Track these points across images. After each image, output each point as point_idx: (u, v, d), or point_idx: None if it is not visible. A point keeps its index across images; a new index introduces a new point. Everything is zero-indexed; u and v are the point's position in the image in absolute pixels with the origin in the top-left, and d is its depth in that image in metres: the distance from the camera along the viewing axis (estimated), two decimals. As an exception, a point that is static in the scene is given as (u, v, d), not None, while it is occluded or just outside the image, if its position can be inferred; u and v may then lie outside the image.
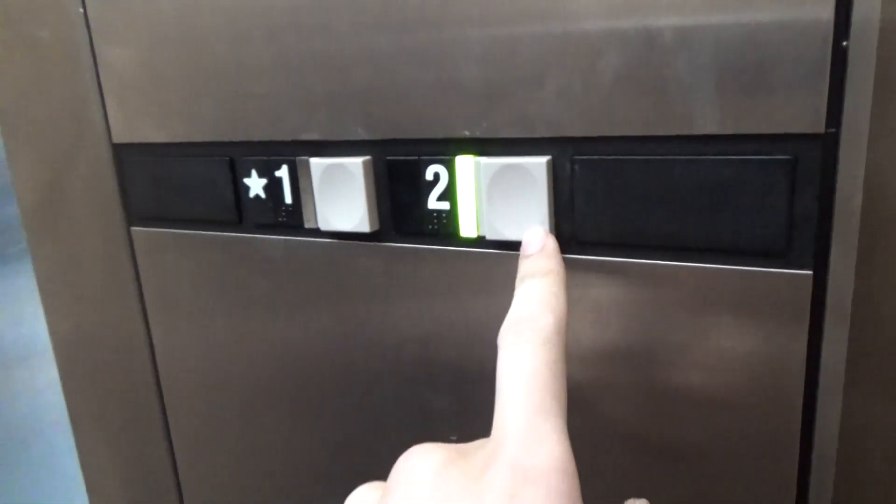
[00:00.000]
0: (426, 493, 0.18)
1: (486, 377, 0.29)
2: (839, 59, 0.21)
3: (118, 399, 0.43)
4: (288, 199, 0.31)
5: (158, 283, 0.37)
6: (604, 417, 0.28)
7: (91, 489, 0.48)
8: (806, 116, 0.22)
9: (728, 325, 0.24)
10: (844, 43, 0.21)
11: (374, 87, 0.28)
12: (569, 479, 0.17)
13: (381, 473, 0.20)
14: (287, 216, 0.32)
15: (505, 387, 0.19)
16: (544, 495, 0.17)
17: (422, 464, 0.19)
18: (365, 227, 0.29)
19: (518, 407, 0.19)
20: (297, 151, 0.31)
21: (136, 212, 0.37)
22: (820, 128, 0.22)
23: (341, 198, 0.30)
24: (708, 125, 0.23)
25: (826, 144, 0.22)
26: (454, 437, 0.31)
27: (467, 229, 0.28)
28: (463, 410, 0.30)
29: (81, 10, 0.34)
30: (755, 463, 0.25)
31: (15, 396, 1.15)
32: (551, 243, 0.25)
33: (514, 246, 0.27)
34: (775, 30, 0.21)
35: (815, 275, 0.23)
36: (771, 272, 0.23)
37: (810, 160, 0.22)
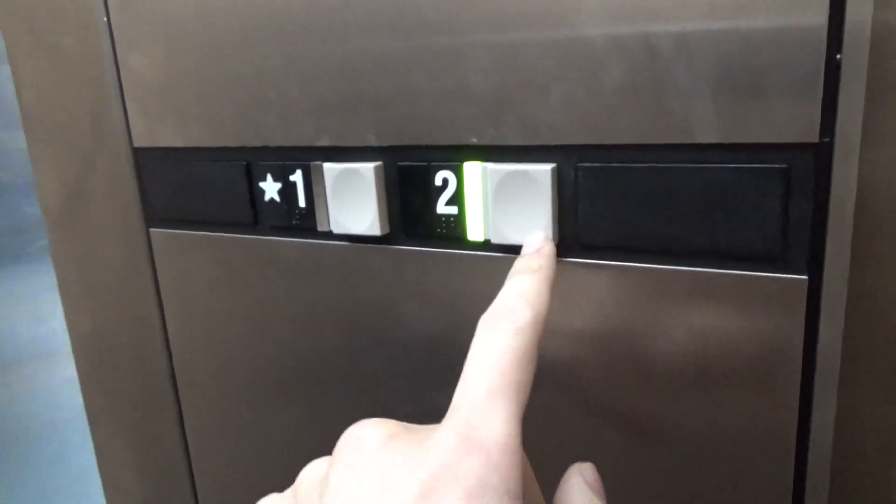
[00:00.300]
0: (369, 461, 0.18)
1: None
2: (832, 71, 0.22)
3: (135, 396, 0.44)
4: (302, 203, 0.32)
5: (175, 282, 0.39)
6: (602, 416, 0.28)
7: (107, 484, 0.49)
8: (800, 126, 0.23)
9: (726, 328, 0.25)
10: (838, 56, 0.22)
11: (386, 96, 0.29)
12: (510, 457, 0.17)
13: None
14: (301, 219, 0.33)
15: (468, 367, 0.20)
16: (482, 466, 0.17)
17: (366, 434, 0.19)
18: (376, 231, 0.31)
19: (475, 384, 0.19)
20: (311, 157, 0.32)
21: (155, 213, 0.38)
22: (814, 137, 0.23)
23: (353, 202, 0.31)
24: (706, 134, 0.24)
25: (820, 153, 0.23)
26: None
27: (475, 233, 0.29)
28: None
29: (105, 19, 0.36)
30: (752, 464, 0.26)
31: (32, 393, 1.17)
32: (548, 247, 0.26)
33: (519, 250, 0.28)
34: (770, 42, 0.22)
35: (809, 279, 0.24)
36: (767, 276, 0.24)
37: (804, 168, 0.23)
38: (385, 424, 0.19)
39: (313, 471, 0.20)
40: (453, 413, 0.18)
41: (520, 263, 0.25)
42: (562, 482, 0.22)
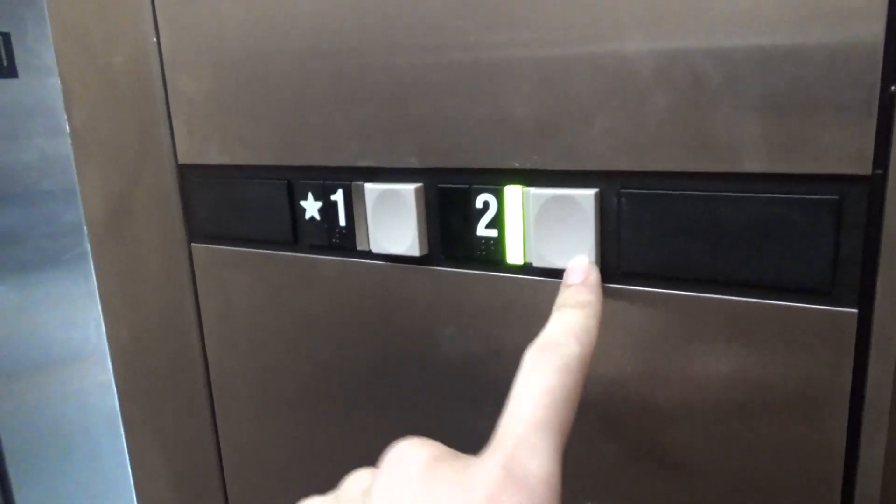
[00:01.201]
0: (413, 481, 0.18)
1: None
2: (887, 102, 0.22)
3: (171, 406, 0.45)
4: (342, 222, 0.33)
5: (215, 297, 0.39)
6: (641, 448, 0.28)
7: (140, 491, 0.50)
8: (852, 157, 0.22)
9: (771, 361, 0.25)
10: (893, 87, 0.22)
11: (428, 119, 0.29)
12: (551, 494, 0.18)
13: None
14: (341, 238, 0.33)
15: (514, 399, 0.20)
16: (526, 502, 0.17)
17: (413, 453, 0.19)
18: (415, 252, 0.31)
19: (521, 418, 0.19)
20: (352, 177, 0.32)
21: (197, 229, 0.39)
22: (867, 169, 0.22)
23: (393, 222, 0.31)
24: (754, 163, 0.24)
25: (873, 185, 0.22)
26: None
27: (514, 256, 0.29)
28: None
29: (155, 40, 0.37)
30: (796, 501, 0.25)
31: (64, 396, 1.19)
32: (594, 275, 0.26)
33: (560, 274, 0.28)
34: (822, 70, 0.22)
35: (860, 313, 0.23)
36: (816, 309, 0.24)
37: (856, 200, 0.23)
38: (432, 445, 0.20)
39: (358, 480, 0.21)
40: (498, 446, 0.19)
41: (566, 295, 0.25)
42: None
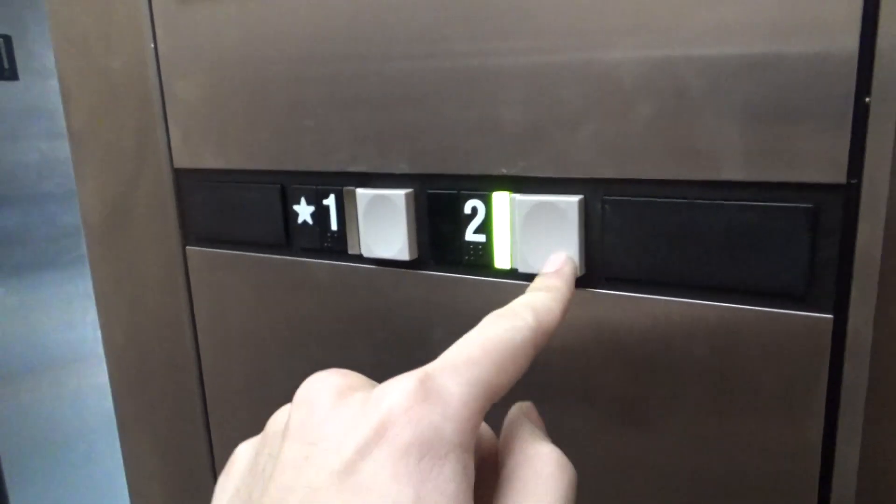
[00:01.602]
0: (324, 408, 0.18)
1: (513, 399, 0.31)
2: (861, 114, 0.22)
3: (165, 408, 0.45)
4: (334, 226, 0.33)
5: (209, 299, 0.40)
6: (622, 449, 0.29)
7: (133, 492, 0.51)
8: (828, 167, 0.23)
9: (749, 364, 0.25)
10: (867, 99, 0.22)
11: (419, 125, 0.30)
12: (467, 412, 0.17)
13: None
14: (332, 242, 0.34)
15: (457, 343, 0.20)
16: (438, 414, 0.17)
17: (324, 383, 0.19)
18: (405, 256, 0.31)
19: (453, 352, 0.19)
20: (344, 182, 0.33)
21: (192, 232, 0.39)
22: (842, 178, 0.23)
23: (384, 227, 0.32)
24: (733, 172, 0.24)
25: (847, 194, 0.23)
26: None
27: (501, 261, 0.30)
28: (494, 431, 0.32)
29: (153, 45, 0.37)
30: (775, 501, 0.26)
31: (61, 398, 1.19)
32: (568, 268, 0.26)
33: (546, 279, 0.28)
34: (799, 84, 0.23)
35: (835, 318, 0.24)
36: (792, 314, 0.24)
37: (832, 209, 0.23)
38: (345, 374, 0.20)
39: (280, 416, 0.21)
40: (421, 369, 0.18)
41: (538, 281, 0.25)
42: (505, 421, 0.22)
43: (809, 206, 0.23)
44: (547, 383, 0.29)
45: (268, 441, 0.20)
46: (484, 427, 0.23)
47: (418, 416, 0.17)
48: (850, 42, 0.22)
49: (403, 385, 0.18)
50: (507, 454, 0.20)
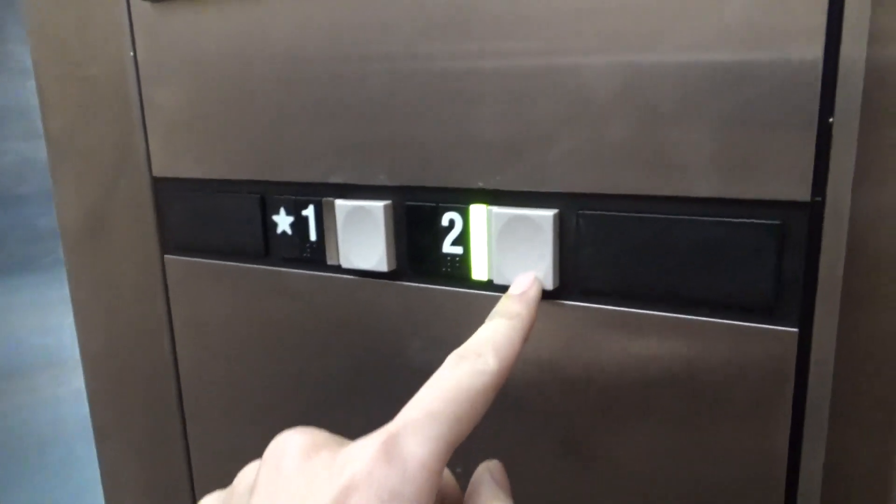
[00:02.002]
0: (292, 469, 0.19)
1: (490, 412, 0.31)
2: (825, 134, 0.23)
3: (142, 416, 0.45)
4: (313, 237, 0.34)
5: (187, 308, 0.40)
6: (595, 458, 0.29)
7: (109, 499, 0.50)
8: (793, 185, 0.24)
9: (719, 375, 0.26)
10: (830, 119, 0.23)
11: (399, 139, 0.30)
12: (426, 473, 0.18)
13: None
14: (311, 252, 0.34)
15: (419, 393, 0.20)
16: (397, 476, 0.17)
17: (294, 440, 0.20)
18: (383, 267, 0.32)
19: (414, 406, 0.20)
20: (323, 193, 0.33)
21: (170, 241, 0.39)
22: (806, 196, 0.24)
23: (363, 238, 0.32)
24: (703, 188, 0.25)
25: (812, 211, 0.24)
26: (459, 469, 0.33)
27: (479, 273, 0.30)
28: (470, 443, 0.32)
29: (132, 54, 0.37)
30: (742, 507, 0.27)
31: (38, 403, 1.18)
32: (533, 291, 0.26)
33: (522, 291, 0.29)
34: (766, 106, 0.23)
35: (800, 332, 0.25)
36: (759, 327, 0.25)
37: (797, 225, 0.24)
38: (313, 433, 0.20)
39: (248, 473, 0.22)
40: (385, 428, 0.19)
41: (501, 305, 0.26)
42: (472, 480, 0.22)
43: (777, 222, 0.24)
44: (520, 396, 0.30)
45: (234, 498, 0.21)
46: (447, 477, 0.23)
47: (379, 482, 0.17)
48: (813, 67, 0.23)
49: (367, 450, 0.18)
50: None
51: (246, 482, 0.21)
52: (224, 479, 0.42)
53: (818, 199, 0.23)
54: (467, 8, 0.28)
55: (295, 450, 0.20)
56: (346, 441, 0.20)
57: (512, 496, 0.22)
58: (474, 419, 0.20)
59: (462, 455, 0.32)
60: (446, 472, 0.24)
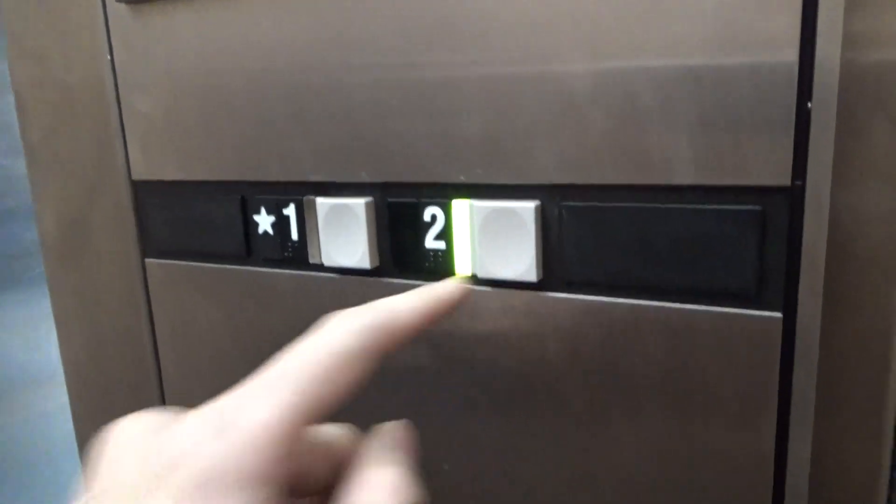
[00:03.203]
0: (129, 454, 0.18)
1: (477, 406, 0.31)
2: (803, 119, 0.23)
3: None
4: (294, 236, 0.33)
5: (170, 312, 0.39)
6: (581, 449, 0.29)
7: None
8: (773, 170, 0.24)
9: (704, 363, 0.26)
10: (808, 104, 0.23)
11: (379, 135, 0.30)
12: (274, 441, 0.17)
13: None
14: (293, 252, 0.33)
15: (282, 354, 0.19)
16: (233, 447, 0.17)
17: (128, 425, 0.20)
18: (366, 264, 0.31)
19: (270, 368, 0.19)
20: (304, 191, 0.33)
21: (151, 244, 0.39)
22: (786, 181, 0.23)
23: (344, 236, 0.32)
24: (684, 176, 0.25)
25: (793, 196, 0.24)
26: (446, 466, 0.32)
27: (462, 267, 0.30)
28: (454, 438, 0.32)
29: (109, 58, 0.37)
30: (728, 500, 0.26)
31: (26, 419, 1.16)
32: (452, 283, 0.26)
33: (504, 284, 0.29)
34: (745, 92, 0.23)
35: (784, 317, 0.24)
36: (743, 314, 0.25)
37: (778, 211, 0.24)
38: (148, 416, 0.20)
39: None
40: (228, 393, 0.18)
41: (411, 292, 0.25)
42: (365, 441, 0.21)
43: (757, 208, 0.24)
44: (504, 388, 0.30)
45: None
46: (339, 437, 0.22)
47: (208, 453, 0.17)
48: (791, 53, 0.23)
49: (196, 421, 0.17)
50: (347, 479, 0.20)
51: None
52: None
53: (798, 182, 0.23)
54: (445, 5, 0.27)
55: (129, 433, 0.19)
56: (181, 418, 0.19)
57: (415, 458, 0.21)
58: (348, 381, 0.19)
59: (448, 451, 0.32)
60: (346, 434, 0.22)
